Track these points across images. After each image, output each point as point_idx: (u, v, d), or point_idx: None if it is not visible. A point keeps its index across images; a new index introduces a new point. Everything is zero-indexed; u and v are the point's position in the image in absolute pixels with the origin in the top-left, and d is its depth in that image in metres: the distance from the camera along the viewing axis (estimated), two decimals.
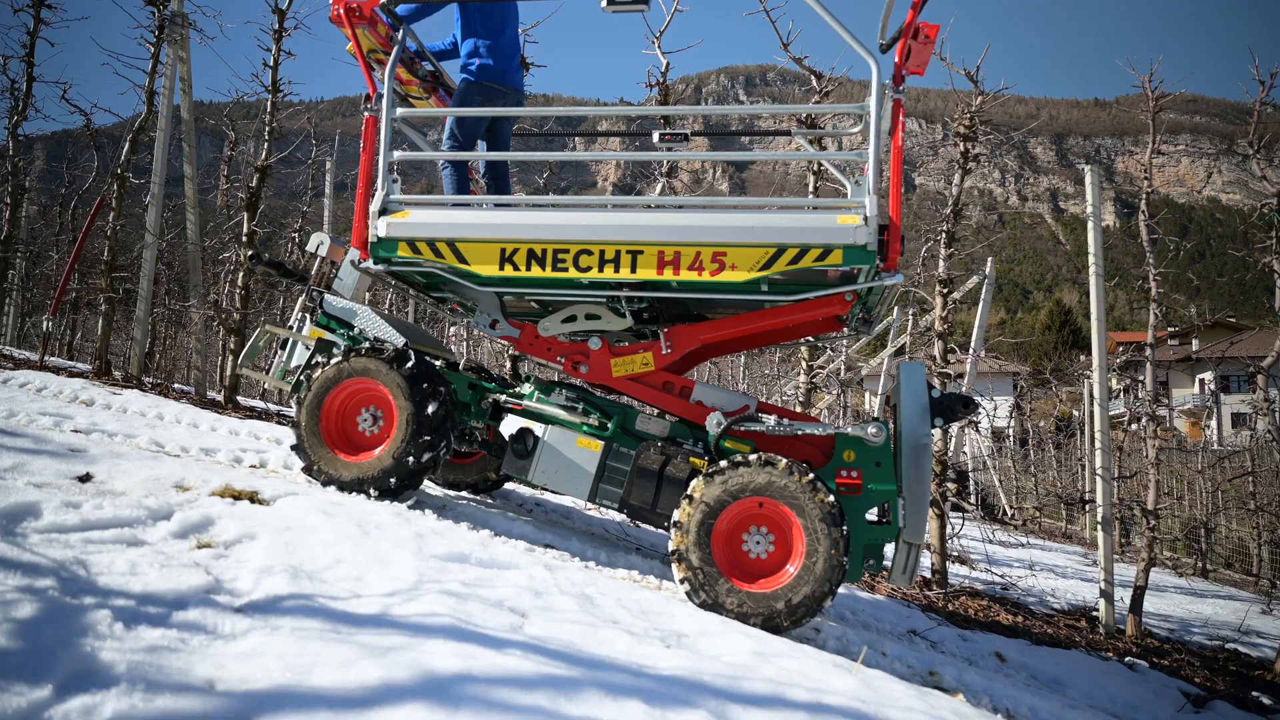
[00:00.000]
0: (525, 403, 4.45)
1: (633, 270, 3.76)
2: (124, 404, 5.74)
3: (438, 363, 4.55)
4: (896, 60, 3.70)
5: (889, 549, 3.91)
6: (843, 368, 13.87)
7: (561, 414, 4.31)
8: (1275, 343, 6.48)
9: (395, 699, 1.70)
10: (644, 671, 2.22)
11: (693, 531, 3.55)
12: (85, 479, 3.08)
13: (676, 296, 4.15)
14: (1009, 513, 18.79)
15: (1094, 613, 6.38)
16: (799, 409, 7.16)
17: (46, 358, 8.25)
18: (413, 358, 4.15)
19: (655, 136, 4.28)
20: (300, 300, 4.87)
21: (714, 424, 3.94)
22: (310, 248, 5.01)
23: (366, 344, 4.32)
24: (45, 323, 8.27)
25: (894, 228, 3.59)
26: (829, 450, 4.01)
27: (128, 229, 10.28)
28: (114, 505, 2.70)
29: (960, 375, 9.60)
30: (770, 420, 3.94)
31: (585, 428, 4.27)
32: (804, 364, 7.19)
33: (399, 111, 4.20)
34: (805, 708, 2.20)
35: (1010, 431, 24.85)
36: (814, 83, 6.95)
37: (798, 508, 3.50)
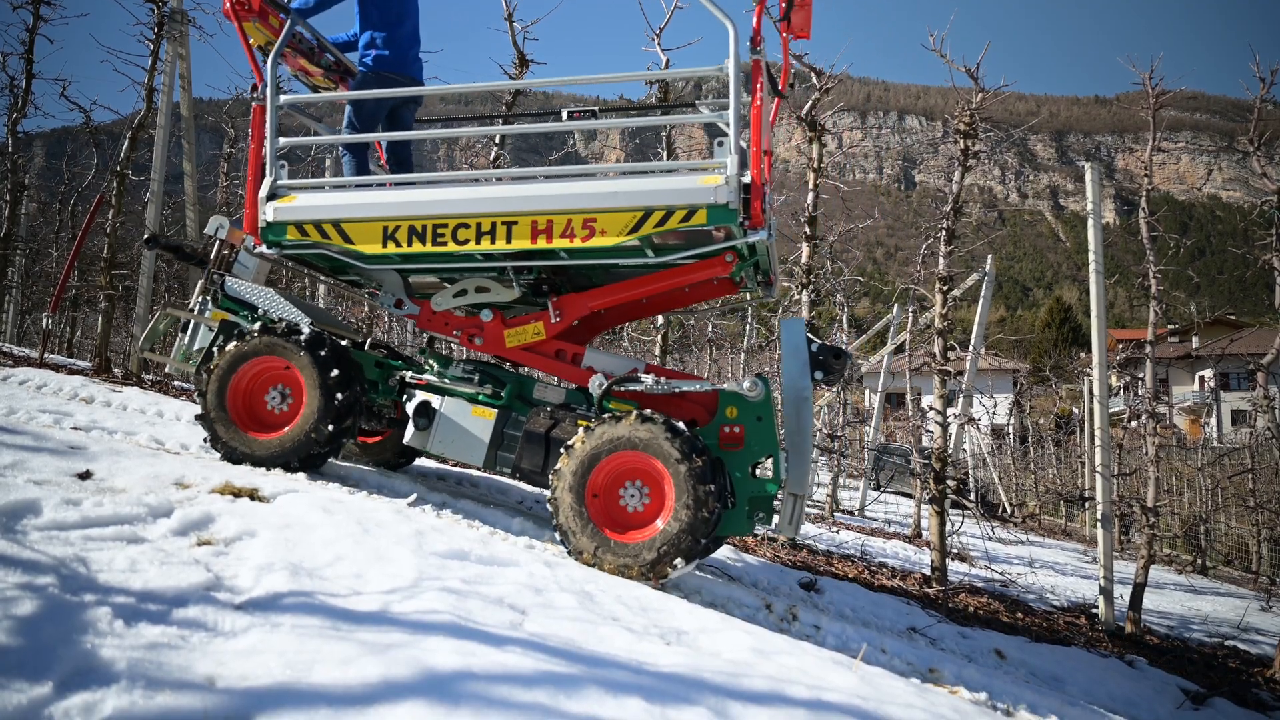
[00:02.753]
0: (426, 377, 4.58)
1: (508, 240, 3.89)
2: (124, 401, 5.74)
3: (344, 342, 4.63)
4: (754, 23, 3.83)
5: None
6: None
7: (457, 385, 4.44)
8: (1275, 340, 6.48)
9: (395, 696, 1.70)
10: (644, 669, 2.22)
11: (568, 486, 3.70)
12: (85, 476, 3.08)
13: (564, 264, 4.25)
14: (1009, 510, 18.81)
15: (1093, 610, 6.39)
16: None
17: (46, 355, 8.26)
18: (324, 338, 4.24)
19: (564, 115, 4.43)
20: (200, 283, 4.90)
21: (595, 385, 4.11)
22: (209, 230, 5.03)
23: (278, 324, 4.38)
24: (45, 320, 8.27)
25: (755, 186, 3.69)
26: (713, 407, 4.14)
27: (127, 226, 10.28)
28: (114, 502, 2.70)
29: (960, 372, 9.61)
30: (649, 379, 4.08)
31: (481, 397, 4.39)
32: None
33: (284, 99, 4.37)
34: (805, 705, 2.20)
35: (1010, 429, 24.85)
36: (814, 79, 6.94)
37: (665, 461, 3.61)
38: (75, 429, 4.43)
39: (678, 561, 3.55)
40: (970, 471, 19.27)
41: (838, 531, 9.53)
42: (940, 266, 6.64)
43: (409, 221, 4.01)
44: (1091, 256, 6.20)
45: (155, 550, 2.39)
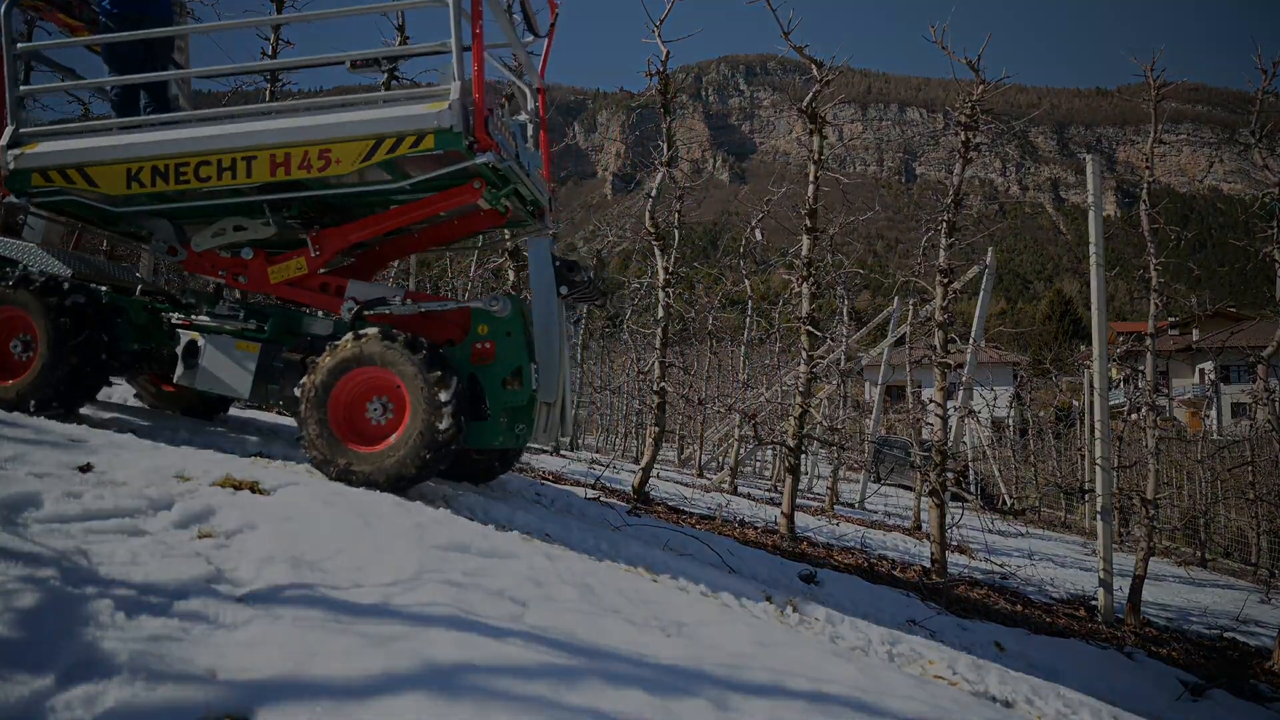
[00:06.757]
0: (193, 318, 4.65)
1: (249, 175, 3.97)
2: (124, 394, 5.74)
3: (103, 289, 4.59)
4: None
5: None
6: (843, 358, 13.87)
7: (222, 323, 4.54)
8: (1275, 333, 6.48)
9: (396, 688, 1.71)
10: (644, 661, 2.23)
11: (312, 401, 3.84)
12: (86, 469, 3.08)
13: (322, 196, 4.31)
14: (1008, 502, 18.83)
15: (1093, 602, 6.40)
16: (799, 398, 7.15)
17: None
18: (58, 287, 4.24)
19: (348, 64, 4.53)
20: None
21: (346, 310, 4.27)
22: None
23: (13, 275, 4.37)
24: None
25: (479, 110, 3.80)
26: (466, 326, 4.30)
27: None
28: (115, 495, 2.70)
29: (960, 365, 9.60)
30: (396, 301, 4.24)
31: (245, 333, 4.49)
32: (804, 354, 7.18)
33: (22, 46, 4.46)
34: (806, 696, 2.21)
35: (1010, 421, 24.88)
36: (814, 71, 6.91)
37: (403, 375, 3.78)
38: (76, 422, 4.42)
39: (419, 469, 3.74)
40: (970, 464, 19.29)
41: (838, 524, 9.55)
42: (941, 259, 6.62)
43: (151, 162, 4.08)
44: (1092, 249, 6.19)
45: (156, 543, 2.39)
